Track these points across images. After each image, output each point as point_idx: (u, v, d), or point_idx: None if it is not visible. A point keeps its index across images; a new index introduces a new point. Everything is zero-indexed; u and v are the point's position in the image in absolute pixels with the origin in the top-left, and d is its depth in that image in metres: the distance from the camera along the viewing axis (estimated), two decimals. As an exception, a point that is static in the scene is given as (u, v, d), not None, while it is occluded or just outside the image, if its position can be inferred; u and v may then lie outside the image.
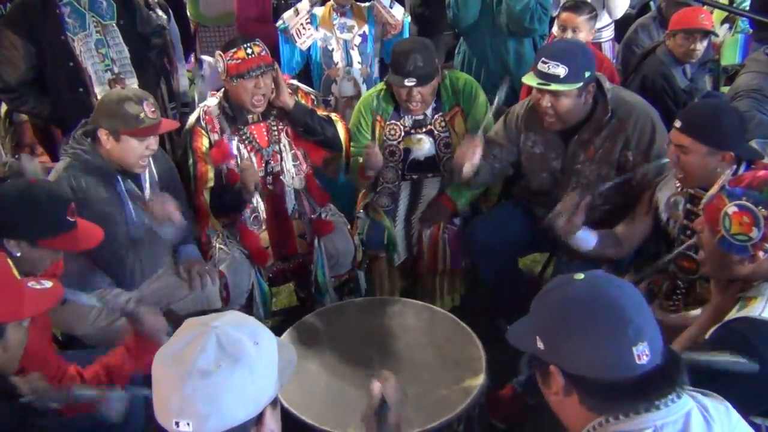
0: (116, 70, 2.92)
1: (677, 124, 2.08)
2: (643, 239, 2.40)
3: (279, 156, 2.73)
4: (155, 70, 3.29)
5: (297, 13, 3.29)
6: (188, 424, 1.08)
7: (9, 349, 1.50)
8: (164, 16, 3.43)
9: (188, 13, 4.05)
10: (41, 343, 1.78)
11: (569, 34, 3.24)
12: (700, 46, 3.32)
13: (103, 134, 2.26)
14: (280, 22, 3.33)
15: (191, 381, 1.08)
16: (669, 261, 2.10)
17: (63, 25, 2.81)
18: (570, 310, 1.13)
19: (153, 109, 2.28)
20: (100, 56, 2.89)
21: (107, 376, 1.82)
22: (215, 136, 2.64)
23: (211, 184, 2.66)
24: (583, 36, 3.25)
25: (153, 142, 2.33)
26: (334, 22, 3.30)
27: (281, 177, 2.75)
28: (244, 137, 2.67)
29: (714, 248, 1.59)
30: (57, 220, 1.84)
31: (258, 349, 1.14)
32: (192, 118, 2.70)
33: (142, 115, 2.24)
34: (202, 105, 2.72)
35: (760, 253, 1.51)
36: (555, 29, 3.57)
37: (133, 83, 2.93)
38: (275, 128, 2.71)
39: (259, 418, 1.15)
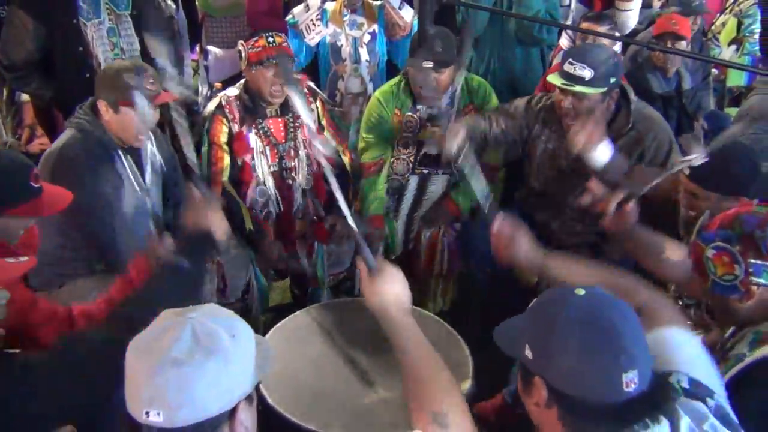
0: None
1: (685, 170, 2.02)
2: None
3: (293, 152, 2.72)
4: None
5: (307, 8, 3.27)
6: (159, 413, 1.05)
7: None
8: (173, 6, 3.42)
9: (197, 3, 4.03)
10: (23, 316, 1.70)
11: None
12: None
13: (102, 106, 2.24)
14: (289, 16, 3.31)
15: (164, 370, 1.05)
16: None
17: (77, 9, 2.78)
18: (566, 329, 1.10)
19: (152, 80, 2.25)
20: (111, 44, 2.86)
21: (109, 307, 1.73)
22: (235, 126, 2.64)
23: (227, 172, 2.64)
24: None
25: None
26: (345, 19, 3.29)
27: (293, 174, 2.74)
28: (261, 130, 2.66)
29: (711, 296, 1.56)
30: (20, 187, 1.73)
31: (234, 342, 1.11)
32: (212, 106, 2.69)
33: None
34: (221, 94, 2.71)
35: (753, 288, 1.47)
36: (563, 40, 3.56)
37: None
38: (292, 125, 2.71)
39: (232, 413, 1.11)
